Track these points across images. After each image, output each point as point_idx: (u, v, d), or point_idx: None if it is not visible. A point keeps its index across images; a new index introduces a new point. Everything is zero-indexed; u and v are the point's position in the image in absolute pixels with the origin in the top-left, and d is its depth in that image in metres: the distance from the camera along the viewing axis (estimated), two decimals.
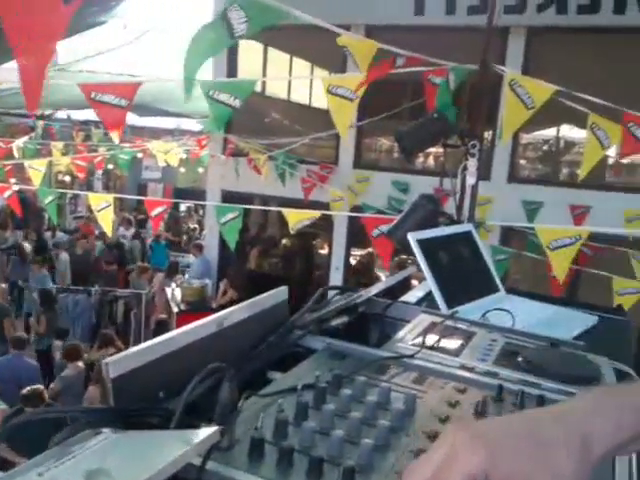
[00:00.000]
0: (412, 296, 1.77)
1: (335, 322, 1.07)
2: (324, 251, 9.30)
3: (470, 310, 1.56)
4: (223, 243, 8.21)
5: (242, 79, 3.03)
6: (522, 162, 8.38)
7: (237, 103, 2.44)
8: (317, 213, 4.45)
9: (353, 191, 7.19)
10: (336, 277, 8.00)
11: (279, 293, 0.99)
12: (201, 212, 13.21)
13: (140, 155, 9.82)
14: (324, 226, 8.86)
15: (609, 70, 6.54)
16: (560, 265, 3.60)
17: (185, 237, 12.85)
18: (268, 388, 0.81)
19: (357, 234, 7.65)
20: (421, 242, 1.69)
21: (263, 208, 7.92)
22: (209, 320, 0.80)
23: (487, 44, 3.38)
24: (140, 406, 0.68)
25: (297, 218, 4.25)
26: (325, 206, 6.82)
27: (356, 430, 0.71)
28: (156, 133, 11.46)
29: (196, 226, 13.51)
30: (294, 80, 9.00)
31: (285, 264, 9.56)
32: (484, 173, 7.45)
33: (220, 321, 0.81)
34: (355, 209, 6.56)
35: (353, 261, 9.07)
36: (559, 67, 6.27)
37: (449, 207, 3.69)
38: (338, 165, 7.93)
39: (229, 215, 4.24)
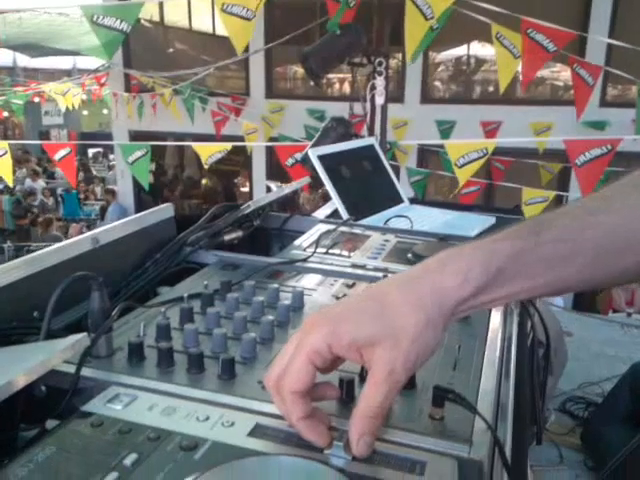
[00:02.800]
0: (320, 214, 1.79)
1: (229, 237, 1.06)
2: (245, 188, 9.20)
3: (374, 221, 1.60)
4: (139, 188, 7.94)
5: (127, 2, 2.83)
6: (435, 83, 8.46)
7: (125, 27, 2.28)
8: (228, 145, 4.35)
9: (267, 122, 7.06)
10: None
11: (164, 210, 0.97)
12: (111, 157, 12.61)
13: (37, 100, 9.16)
14: (243, 162, 8.72)
15: None
16: (464, 180, 3.72)
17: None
18: (154, 300, 0.80)
19: (276, 167, 7.59)
20: (323, 158, 1.70)
21: (169, 144, 7.65)
22: (82, 237, 0.78)
23: None
24: (11, 325, 0.65)
25: (209, 152, 4.14)
26: (240, 140, 6.68)
27: (241, 328, 0.72)
28: (52, 75, 10.67)
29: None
30: (196, 7, 8.53)
31: (206, 205, 9.41)
32: (397, 95, 7.51)
33: (95, 238, 0.78)
34: (272, 141, 6.47)
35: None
36: None
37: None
38: (250, 96, 7.73)
39: (137, 153, 4.06)
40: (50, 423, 0.55)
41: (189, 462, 0.47)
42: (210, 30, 8.87)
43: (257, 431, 0.52)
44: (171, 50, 9.13)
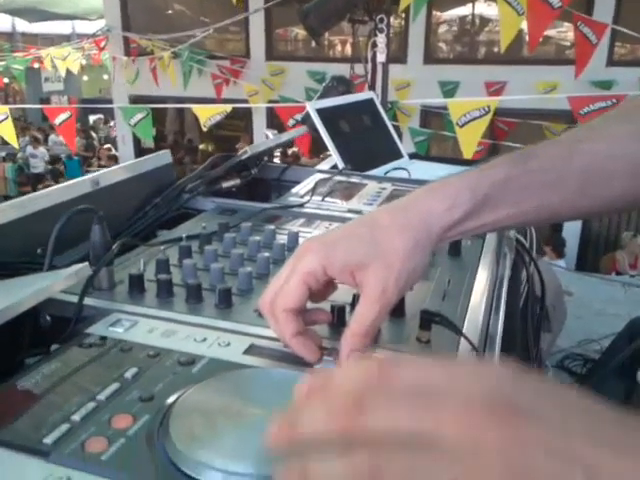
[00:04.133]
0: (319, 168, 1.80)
1: (227, 184, 1.07)
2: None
3: (375, 174, 1.61)
4: (140, 153, 7.91)
5: None
6: (438, 43, 8.33)
7: None
8: (228, 107, 4.32)
9: (268, 85, 6.98)
10: None
11: (162, 156, 0.99)
12: (112, 124, 12.55)
13: (37, 65, 9.08)
14: (244, 127, 8.66)
15: None
16: (467, 141, 3.69)
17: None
18: (154, 240, 0.83)
19: (278, 131, 7.53)
20: (321, 111, 1.70)
21: (169, 106, 7.59)
22: (83, 179, 0.79)
23: None
24: (15, 259, 0.68)
25: (208, 114, 4.12)
26: (241, 103, 6.63)
27: (238, 264, 0.74)
28: (52, 40, 10.55)
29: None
30: None
31: None
32: (400, 56, 7.40)
33: (95, 180, 0.80)
34: (272, 103, 6.41)
35: (278, 161, 8.99)
36: None
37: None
38: (250, 58, 7.63)
39: (138, 115, 4.05)
40: (55, 348, 0.58)
41: (187, 375, 0.49)
42: None
43: (252, 350, 0.55)
44: (170, 12, 8.99)
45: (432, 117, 6.98)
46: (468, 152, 3.92)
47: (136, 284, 0.66)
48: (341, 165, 1.47)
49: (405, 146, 2.01)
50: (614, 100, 3.62)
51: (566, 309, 2.83)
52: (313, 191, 1.07)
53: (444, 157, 2.07)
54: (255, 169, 1.15)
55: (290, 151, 9.30)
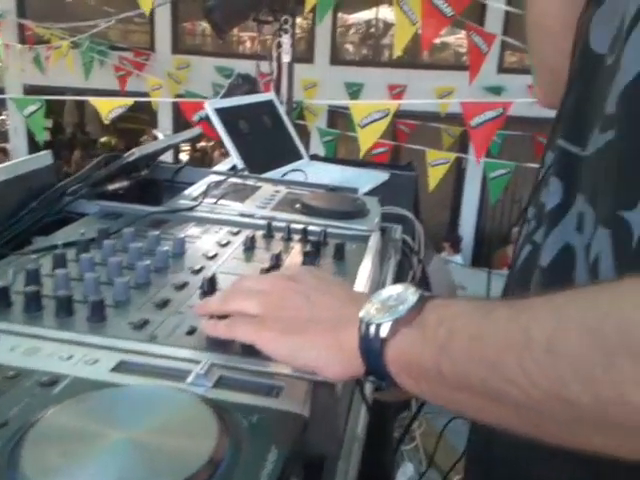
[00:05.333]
0: (218, 169, 1.77)
1: (114, 186, 1.03)
2: None
3: (273, 175, 1.61)
4: (34, 146, 7.45)
5: None
6: (345, 45, 8.47)
7: None
8: (130, 100, 4.17)
9: (173, 79, 6.80)
10: None
11: (42, 157, 0.93)
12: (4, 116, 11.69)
13: None
14: (148, 121, 8.38)
15: None
16: (366, 141, 3.79)
17: None
18: (26, 248, 0.78)
19: (183, 125, 7.36)
20: (220, 111, 1.67)
21: (66, 98, 7.20)
22: None
23: None
24: None
25: (109, 107, 3.95)
26: (145, 96, 6.41)
27: (115, 273, 0.71)
28: None
29: None
30: None
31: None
32: (307, 56, 7.46)
33: None
34: (178, 98, 6.24)
35: (186, 156, 8.78)
36: None
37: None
38: (155, 51, 7.39)
39: (30, 107, 3.80)
40: None
41: (47, 396, 0.47)
42: None
43: (121, 367, 0.53)
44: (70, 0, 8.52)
45: (339, 117, 7.09)
46: (364, 150, 4.04)
47: (0, 297, 0.62)
48: (240, 166, 1.46)
49: (314, 145, 2.04)
50: (501, 109, 3.86)
51: None
52: (205, 194, 1.06)
53: (344, 159, 2.10)
54: (146, 170, 1.11)
55: (198, 145, 9.10)
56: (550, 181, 0.59)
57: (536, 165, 0.67)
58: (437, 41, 8.10)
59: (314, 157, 2.03)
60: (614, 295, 0.35)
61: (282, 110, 1.95)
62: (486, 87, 6.69)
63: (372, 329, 0.45)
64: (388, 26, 8.50)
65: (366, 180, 1.70)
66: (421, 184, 2.02)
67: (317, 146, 6.16)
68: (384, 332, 0.44)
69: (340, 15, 7.75)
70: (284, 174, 1.61)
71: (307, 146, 7.37)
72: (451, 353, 0.40)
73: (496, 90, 6.95)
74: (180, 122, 7.45)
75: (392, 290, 0.47)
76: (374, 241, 0.92)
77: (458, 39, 8.03)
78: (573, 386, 0.33)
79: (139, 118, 8.59)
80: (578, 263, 0.51)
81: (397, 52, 4.09)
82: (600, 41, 0.52)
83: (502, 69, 7.31)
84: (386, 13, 8.36)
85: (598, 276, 0.47)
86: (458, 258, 5.39)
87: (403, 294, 0.46)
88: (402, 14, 3.83)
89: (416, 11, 3.78)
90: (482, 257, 7.52)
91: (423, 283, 1.33)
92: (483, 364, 0.38)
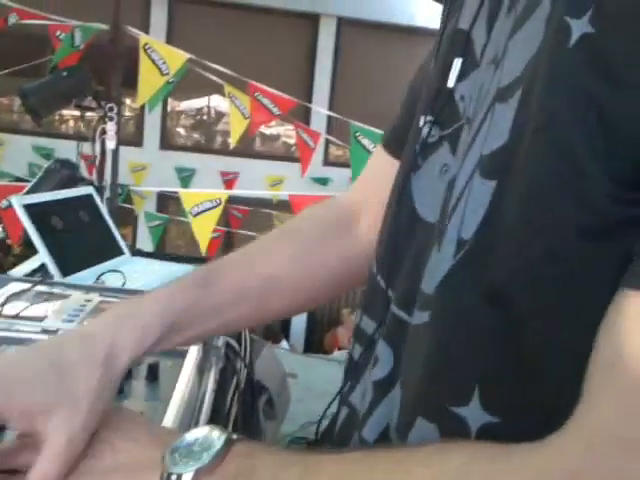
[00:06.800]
0: (25, 269, 1.64)
1: None
2: None
3: (88, 275, 1.52)
4: None
5: None
6: (177, 129, 8.53)
7: None
8: None
9: None
10: None
11: None
12: None
13: None
14: None
15: (244, 44, 7.12)
16: (201, 231, 3.80)
17: None
18: None
19: None
20: (30, 207, 1.57)
21: None
22: None
23: (117, 5, 3.29)
24: None
25: None
26: None
27: None
28: None
29: None
30: None
31: None
32: (137, 139, 7.37)
33: None
34: None
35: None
36: (198, 37, 6.54)
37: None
38: None
39: None
40: None
41: None
42: None
43: None
44: None
45: (169, 201, 7.02)
46: (203, 242, 4.02)
47: None
48: (53, 271, 1.36)
49: (140, 231, 1.97)
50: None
51: (289, 394, 2.97)
52: (2, 307, 0.96)
53: (168, 254, 2.07)
54: None
55: None
56: (378, 346, 0.53)
57: None
58: (268, 132, 8.55)
59: (137, 252, 1.97)
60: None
61: (102, 205, 1.88)
62: (313, 178, 7.13)
63: (173, 479, 0.43)
64: (220, 114, 8.77)
65: None
66: None
67: (145, 231, 6.00)
68: None
69: (171, 101, 7.85)
70: (100, 274, 1.53)
71: (135, 231, 7.15)
72: None
73: (322, 181, 7.43)
74: None
75: (198, 433, 0.46)
76: (191, 356, 0.90)
77: (288, 130, 8.54)
78: None
79: None
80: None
81: (233, 143, 4.23)
82: (427, 208, 0.50)
83: (327, 162, 7.88)
84: (218, 101, 8.64)
85: None
86: (284, 344, 5.48)
87: (209, 438, 0.45)
88: (234, 108, 4.00)
89: (247, 106, 3.98)
90: (315, 341, 7.71)
91: (249, 387, 1.32)
92: None
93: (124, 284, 1.42)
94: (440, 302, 0.42)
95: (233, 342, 1.27)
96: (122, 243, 1.86)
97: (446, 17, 0.53)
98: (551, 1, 0.37)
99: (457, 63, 0.48)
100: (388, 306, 0.52)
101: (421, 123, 0.52)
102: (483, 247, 0.39)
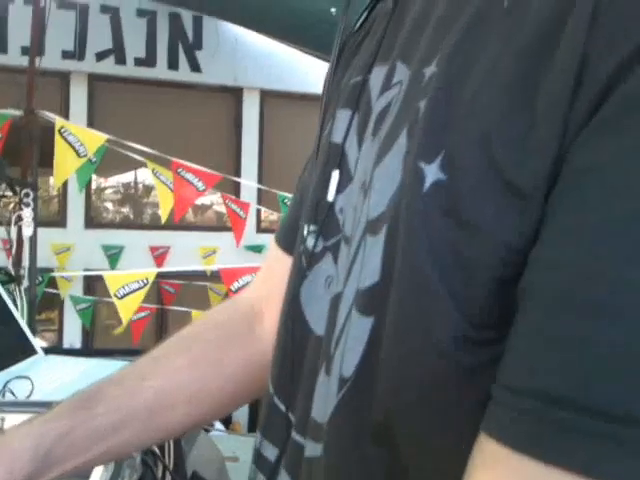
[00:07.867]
0: None
1: None
2: None
3: None
4: None
5: None
6: (103, 206, 8.35)
7: None
8: None
9: None
10: None
11: None
12: None
13: None
14: None
15: (169, 120, 7.16)
16: (129, 312, 3.67)
17: None
18: None
19: None
20: None
21: None
22: None
23: (30, 91, 3.24)
24: None
25: None
26: None
27: None
28: None
29: None
30: None
31: None
32: (59, 220, 7.14)
33: None
34: None
35: None
36: (120, 115, 6.54)
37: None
38: None
39: None
40: None
41: None
42: None
43: None
44: None
45: (96, 282, 6.76)
46: (125, 321, 3.89)
47: None
48: None
49: (68, 314, 1.84)
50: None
51: (230, 478, 2.81)
52: None
53: (84, 349, 1.96)
54: None
55: None
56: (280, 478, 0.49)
57: None
58: (199, 202, 8.49)
59: (52, 350, 1.85)
60: None
61: (9, 301, 1.77)
62: (248, 246, 7.08)
63: None
64: (148, 188, 8.67)
65: (110, 372, 1.58)
66: None
67: (73, 314, 5.73)
68: None
69: (96, 177, 7.70)
70: (9, 379, 1.42)
71: (61, 316, 6.80)
72: None
73: (257, 249, 7.38)
74: None
75: None
76: (97, 475, 0.83)
77: (219, 199, 8.51)
78: None
79: None
80: None
81: (163, 218, 4.18)
82: (316, 319, 0.47)
83: (261, 229, 7.86)
84: (146, 175, 8.53)
85: None
86: (218, 424, 5.23)
87: None
88: (160, 183, 3.97)
89: (171, 180, 3.95)
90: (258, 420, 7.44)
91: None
92: None
93: (32, 392, 1.31)
94: (331, 439, 0.40)
95: (154, 447, 1.19)
96: (34, 341, 1.75)
97: (320, 126, 0.53)
98: (407, 138, 0.36)
99: (335, 175, 0.47)
100: (289, 431, 0.48)
101: (305, 232, 0.50)
102: (363, 386, 0.37)
